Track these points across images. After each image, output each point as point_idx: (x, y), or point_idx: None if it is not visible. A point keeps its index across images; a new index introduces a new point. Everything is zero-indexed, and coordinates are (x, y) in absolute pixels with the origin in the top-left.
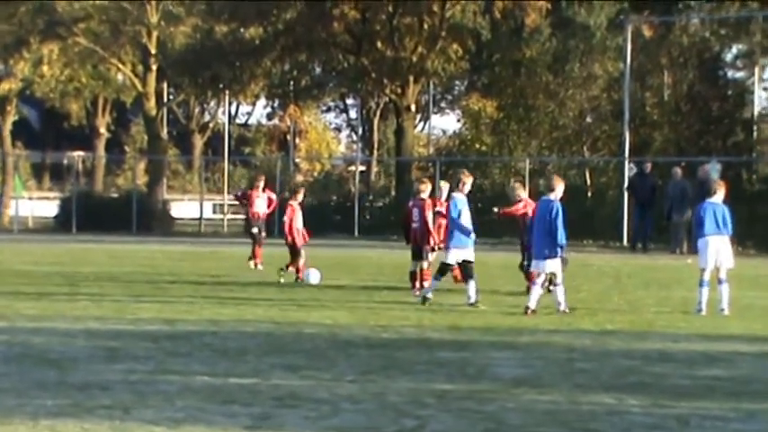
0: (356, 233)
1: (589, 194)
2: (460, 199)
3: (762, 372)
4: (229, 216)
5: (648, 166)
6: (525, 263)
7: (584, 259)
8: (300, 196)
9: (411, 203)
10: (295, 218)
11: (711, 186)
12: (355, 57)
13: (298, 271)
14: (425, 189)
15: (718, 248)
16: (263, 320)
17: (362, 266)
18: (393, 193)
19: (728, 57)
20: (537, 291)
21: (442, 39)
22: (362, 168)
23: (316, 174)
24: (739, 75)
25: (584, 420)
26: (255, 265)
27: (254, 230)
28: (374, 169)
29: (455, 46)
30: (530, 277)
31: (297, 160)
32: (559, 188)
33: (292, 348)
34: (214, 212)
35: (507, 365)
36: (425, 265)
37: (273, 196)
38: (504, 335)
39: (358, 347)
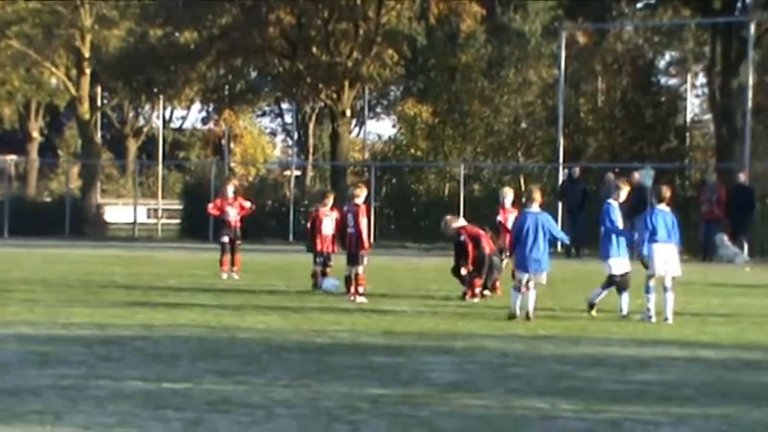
0: (291, 238)
1: (523, 200)
2: (615, 207)
3: (692, 376)
4: (164, 221)
5: (577, 171)
6: (457, 268)
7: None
8: (330, 201)
9: (345, 209)
10: (323, 225)
11: (661, 193)
12: (290, 62)
13: (314, 276)
14: (360, 194)
15: (667, 256)
16: (196, 325)
17: (297, 272)
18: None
19: (662, 64)
20: (533, 296)
21: (378, 44)
22: (298, 173)
23: (251, 178)
24: (672, 82)
25: (518, 425)
26: (224, 272)
27: (225, 240)
28: (309, 174)
29: (390, 51)
30: (472, 284)
31: (232, 165)
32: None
33: (226, 353)
34: (148, 217)
35: (441, 370)
36: (360, 270)
37: (246, 203)
38: (438, 340)
39: (291, 352)
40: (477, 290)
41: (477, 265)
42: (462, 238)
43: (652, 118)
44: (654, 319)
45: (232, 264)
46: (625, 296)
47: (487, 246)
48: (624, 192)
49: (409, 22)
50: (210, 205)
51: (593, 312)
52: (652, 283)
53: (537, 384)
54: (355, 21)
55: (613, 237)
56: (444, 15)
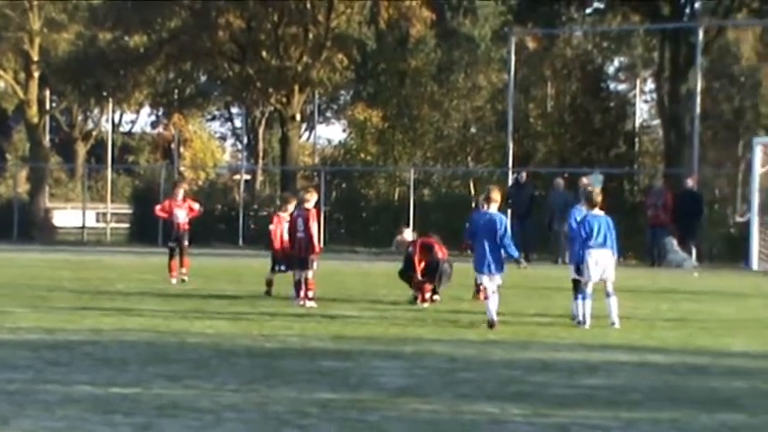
0: (240, 242)
1: (473, 205)
2: (582, 212)
3: (640, 381)
4: (113, 225)
5: (525, 176)
6: (405, 272)
7: (467, 270)
8: (291, 207)
9: (295, 213)
10: (282, 229)
11: (593, 198)
12: (240, 66)
13: (268, 284)
14: (310, 199)
15: (604, 262)
16: (145, 330)
17: (246, 276)
18: (278, 202)
19: (611, 69)
20: (494, 301)
21: (328, 48)
22: (247, 177)
23: (200, 182)
24: (621, 87)
25: (466, 430)
26: (173, 277)
27: (172, 244)
28: (259, 178)
29: (340, 56)
30: (422, 287)
31: (181, 169)
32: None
33: (175, 358)
34: (97, 221)
35: (390, 375)
36: (310, 274)
37: (195, 206)
38: (387, 344)
39: (241, 357)
40: (428, 295)
41: (430, 271)
42: (410, 249)
43: (601, 123)
44: (587, 325)
45: (181, 266)
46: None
47: (440, 252)
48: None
49: (359, 26)
50: (158, 207)
51: (587, 326)
52: (589, 289)
53: (486, 389)
54: (305, 25)
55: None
56: (394, 20)
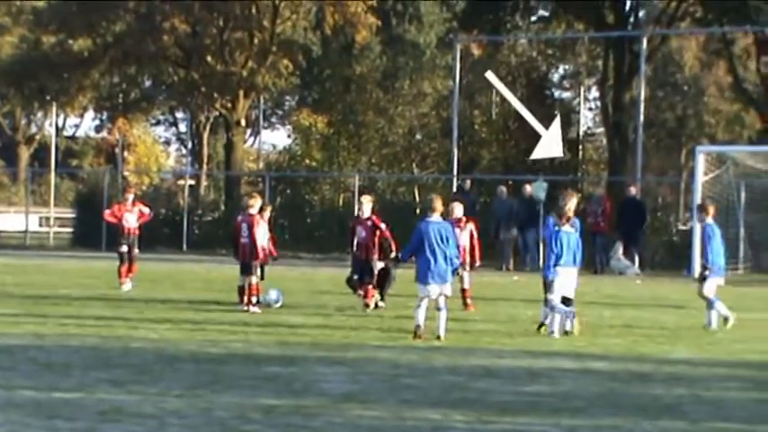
0: (184, 247)
1: (417, 211)
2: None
3: (583, 388)
4: (56, 229)
5: (468, 183)
6: (356, 276)
7: (410, 277)
8: (267, 214)
9: (240, 218)
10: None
11: (564, 213)
12: (185, 70)
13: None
14: (254, 204)
15: (567, 281)
16: (88, 335)
17: (190, 281)
18: (222, 207)
19: (555, 77)
20: (444, 315)
21: (273, 54)
22: (192, 182)
23: (144, 187)
24: (566, 95)
25: None
26: (123, 283)
27: (123, 249)
28: (203, 183)
29: (285, 61)
30: (367, 293)
31: (125, 173)
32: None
33: (118, 363)
34: (40, 225)
35: (334, 381)
36: (254, 280)
37: (146, 210)
38: (331, 350)
39: (185, 362)
40: (372, 300)
41: (379, 275)
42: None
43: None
44: (557, 335)
45: (128, 271)
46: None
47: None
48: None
49: (305, 32)
50: (108, 212)
51: (576, 331)
52: (558, 301)
53: (430, 395)
54: (250, 30)
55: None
56: (339, 26)
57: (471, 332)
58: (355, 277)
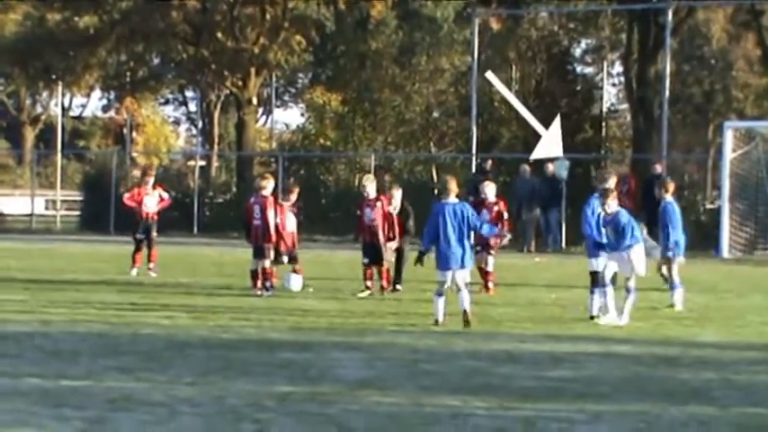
0: (195, 230)
1: (435, 192)
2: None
3: (607, 372)
4: (62, 212)
5: (489, 163)
6: (365, 260)
7: (430, 259)
8: (294, 196)
9: (252, 200)
10: (286, 220)
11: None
12: (195, 47)
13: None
14: (267, 185)
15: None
16: (96, 321)
17: (202, 265)
18: (234, 189)
19: (577, 51)
20: (466, 295)
21: (285, 30)
22: (202, 163)
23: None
24: (588, 70)
25: (428, 423)
26: (135, 268)
27: (140, 236)
28: (214, 164)
29: (298, 37)
30: (381, 275)
31: (133, 155)
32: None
33: (127, 350)
34: (46, 209)
35: (350, 367)
36: (267, 263)
37: (165, 195)
38: (347, 335)
39: (196, 348)
40: (374, 285)
41: (395, 258)
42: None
43: (567, 107)
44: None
45: (148, 259)
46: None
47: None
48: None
49: (318, 6)
50: (127, 195)
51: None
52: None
53: (449, 381)
54: (262, 5)
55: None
56: (354, 0)
57: (492, 316)
58: (365, 261)
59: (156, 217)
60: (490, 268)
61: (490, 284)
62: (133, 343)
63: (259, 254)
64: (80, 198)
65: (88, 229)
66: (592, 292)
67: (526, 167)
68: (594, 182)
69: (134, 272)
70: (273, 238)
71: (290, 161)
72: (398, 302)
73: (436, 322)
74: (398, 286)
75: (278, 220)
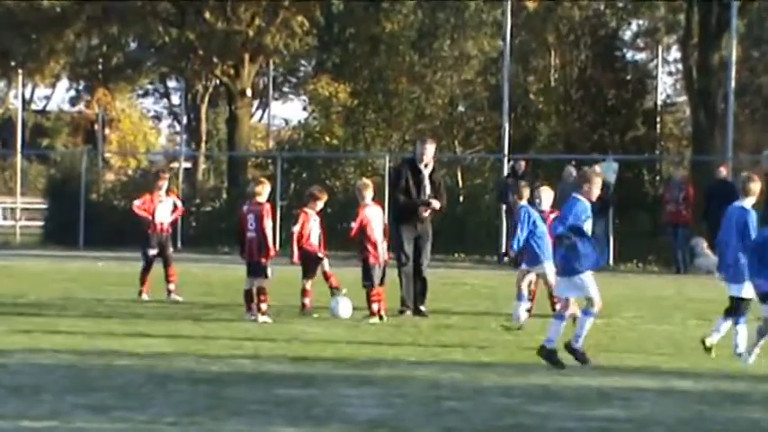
0: (179, 244)
1: (461, 199)
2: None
3: (664, 411)
4: (23, 223)
5: (522, 165)
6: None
7: (455, 277)
8: (321, 204)
9: (245, 208)
10: (310, 230)
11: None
12: (179, 30)
13: (304, 294)
14: (263, 191)
15: None
16: (63, 350)
17: (187, 284)
18: (224, 195)
19: (627, 35)
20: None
21: (285, 9)
22: (187, 165)
23: (130, 171)
24: (640, 56)
25: None
26: (145, 292)
27: (153, 252)
28: (201, 166)
29: (300, 18)
30: (370, 299)
31: (107, 155)
32: None
33: (100, 385)
34: (4, 218)
35: (362, 405)
36: (264, 283)
37: (179, 203)
38: (358, 367)
39: (180, 383)
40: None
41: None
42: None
43: (615, 100)
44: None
45: (168, 280)
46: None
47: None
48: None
49: None
50: (138, 203)
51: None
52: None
53: (476, 422)
54: None
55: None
56: None
57: (527, 344)
58: (366, 283)
59: (170, 229)
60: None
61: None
62: (106, 377)
63: (254, 272)
64: (44, 206)
65: (53, 243)
66: (736, 323)
67: (571, 170)
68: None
69: (145, 296)
70: (272, 252)
71: (290, 163)
72: (417, 329)
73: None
74: (423, 308)
75: (295, 229)
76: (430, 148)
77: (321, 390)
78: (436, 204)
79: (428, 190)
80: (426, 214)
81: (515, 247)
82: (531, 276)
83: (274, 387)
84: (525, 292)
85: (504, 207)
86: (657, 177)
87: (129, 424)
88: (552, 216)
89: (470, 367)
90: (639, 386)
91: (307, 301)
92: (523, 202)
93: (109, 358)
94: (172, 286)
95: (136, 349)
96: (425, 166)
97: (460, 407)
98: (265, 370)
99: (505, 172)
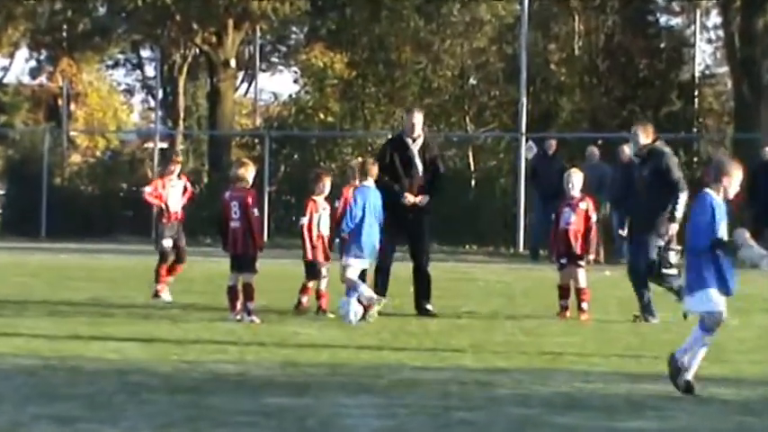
0: (154, 235)
1: (473, 183)
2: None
3: (702, 423)
4: None
5: (553, 145)
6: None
7: (465, 271)
8: (325, 187)
9: (228, 195)
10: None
11: None
12: None
13: (318, 297)
14: (247, 174)
15: None
16: (24, 355)
17: None
18: (205, 179)
19: None
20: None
21: None
22: (163, 146)
23: (99, 153)
24: (675, 21)
25: None
26: (159, 292)
27: (168, 244)
28: (179, 147)
29: None
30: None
31: (72, 134)
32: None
33: (65, 393)
34: None
35: (361, 415)
36: (251, 278)
37: (188, 185)
38: (357, 374)
39: (156, 392)
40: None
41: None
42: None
43: (647, 71)
44: None
45: (168, 273)
46: None
47: None
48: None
49: None
50: (149, 189)
51: None
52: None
53: None
54: None
55: None
56: None
57: (548, 347)
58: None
59: (183, 217)
60: (583, 284)
61: (584, 305)
62: (73, 384)
63: (239, 266)
64: (1, 192)
65: (11, 233)
66: None
67: (594, 150)
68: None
69: (166, 295)
70: (259, 243)
71: (279, 143)
72: (423, 331)
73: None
74: (429, 306)
75: (303, 221)
76: (419, 119)
77: (315, 399)
78: (417, 200)
79: (419, 169)
80: (410, 202)
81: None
82: None
83: (263, 396)
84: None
85: (523, 188)
86: (695, 158)
87: None
88: (582, 205)
89: (483, 373)
90: (674, 394)
91: (304, 299)
92: (369, 182)
93: (75, 363)
94: (170, 279)
95: (105, 354)
96: (414, 140)
97: (472, 418)
98: (252, 376)
99: (522, 152)
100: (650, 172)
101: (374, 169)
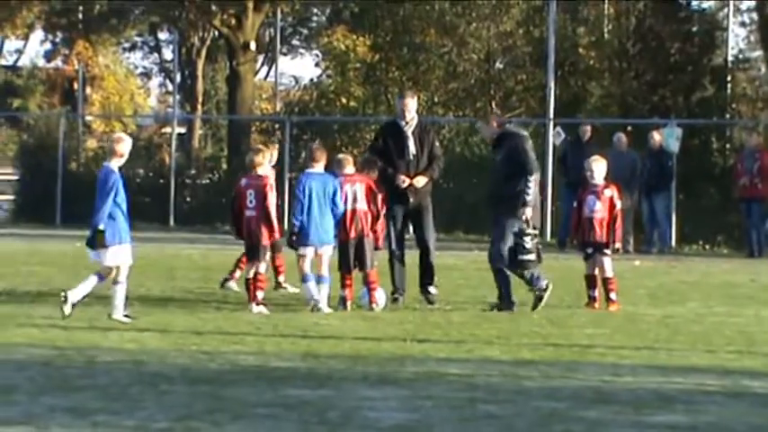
0: (172, 222)
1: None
2: None
3: (735, 418)
4: None
5: (588, 132)
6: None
7: (477, 264)
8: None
9: (244, 182)
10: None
11: None
12: None
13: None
14: (263, 161)
15: None
16: (39, 345)
17: (180, 269)
18: (224, 165)
19: None
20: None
21: None
22: (181, 131)
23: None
24: (708, 4)
25: None
26: (235, 279)
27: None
28: (198, 132)
29: None
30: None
31: (88, 118)
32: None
33: (81, 385)
34: None
35: (384, 408)
36: (262, 268)
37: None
38: (380, 365)
39: (173, 383)
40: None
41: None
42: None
43: (679, 55)
44: None
45: (276, 270)
46: None
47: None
48: None
49: None
50: (274, 199)
51: None
52: None
53: (518, 428)
54: None
55: None
56: None
57: (576, 340)
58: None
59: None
60: (609, 273)
61: (613, 295)
62: (89, 375)
63: (253, 255)
64: (15, 177)
65: (26, 220)
66: None
67: (622, 137)
68: None
69: (233, 284)
70: (276, 232)
71: (300, 128)
72: (447, 321)
73: (313, 308)
74: (431, 288)
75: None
76: (411, 103)
77: (337, 391)
78: (413, 182)
79: (412, 152)
80: (405, 184)
81: None
82: None
83: (283, 387)
84: None
85: (551, 176)
86: (728, 145)
87: (114, 429)
88: (608, 192)
89: (510, 365)
90: (705, 388)
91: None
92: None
93: (91, 354)
94: (281, 277)
95: (122, 344)
96: (407, 123)
97: (498, 411)
98: (272, 367)
99: (549, 138)
100: (503, 156)
101: (320, 155)
